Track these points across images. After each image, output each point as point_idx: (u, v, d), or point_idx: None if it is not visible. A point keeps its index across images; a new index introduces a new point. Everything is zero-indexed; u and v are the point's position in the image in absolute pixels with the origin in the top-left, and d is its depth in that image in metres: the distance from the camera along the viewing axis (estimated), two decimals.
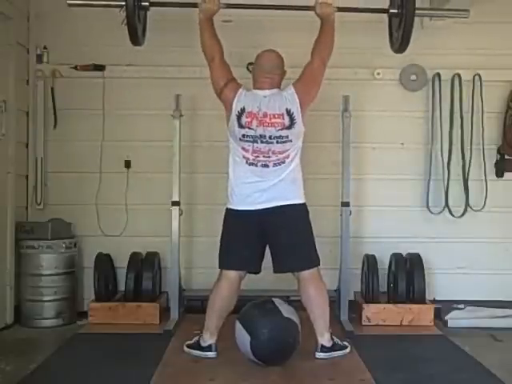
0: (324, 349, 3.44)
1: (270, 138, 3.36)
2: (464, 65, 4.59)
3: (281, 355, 3.32)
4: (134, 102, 4.59)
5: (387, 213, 4.61)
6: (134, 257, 4.39)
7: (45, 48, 4.58)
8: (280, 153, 3.38)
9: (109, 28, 4.31)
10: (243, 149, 3.40)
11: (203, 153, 4.60)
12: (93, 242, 4.56)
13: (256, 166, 3.39)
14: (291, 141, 3.39)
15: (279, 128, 3.36)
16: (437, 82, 4.62)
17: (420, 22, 4.60)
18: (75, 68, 4.56)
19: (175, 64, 4.56)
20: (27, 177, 4.60)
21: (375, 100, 4.62)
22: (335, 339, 3.51)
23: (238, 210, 3.43)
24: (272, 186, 3.37)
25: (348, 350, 3.54)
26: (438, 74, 4.60)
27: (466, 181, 4.60)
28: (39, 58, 4.58)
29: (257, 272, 3.48)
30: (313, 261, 3.46)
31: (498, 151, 4.64)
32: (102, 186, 4.57)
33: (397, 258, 4.37)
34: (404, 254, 4.40)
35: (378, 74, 4.64)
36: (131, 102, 4.60)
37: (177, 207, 4.14)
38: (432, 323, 4.22)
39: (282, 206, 3.38)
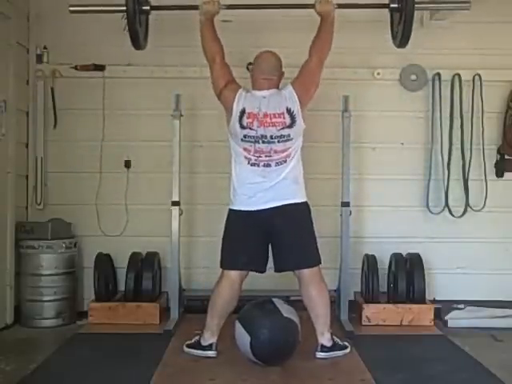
0: (324, 349, 3.45)
1: (271, 137, 3.37)
2: (464, 65, 4.59)
3: (281, 355, 3.31)
4: (134, 102, 4.59)
5: (387, 213, 4.61)
6: (134, 257, 4.39)
7: (45, 48, 4.57)
8: (282, 151, 3.38)
9: (109, 28, 4.30)
10: (245, 149, 3.41)
11: (203, 153, 4.60)
12: (93, 242, 4.56)
13: (258, 165, 3.39)
14: (292, 139, 3.39)
15: (280, 127, 3.37)
16: (437, 82, 4.61)
17: (420, 22, 4.61)
18: (75, 68, 4.56)
19: (175, 64, 4.56)
20: (27, 177, 4.60)
21: (375, 100, 4.62)
22: (335, 339, 3.51)
23: (240, 211, 3.43)
24: (274, 185, 3.38)
25: (348, 350, 3.54)
26: (438, 74, 4.60)
27: (465, 181, 4.59)
28: (39, 58, 4.58)
29: (262, 271, 3.48)
30: (313, 260, 3.46)
31: (498, 151, 4.63)
32: (102, 186, 4.57)
33: (397, 258, 4.37)
34: (404, 254, 4.40)
35: (378, 73, 4.64)
36: (131, 102, 4.60)
37: (177, 207, 4.15)
38: (432, 323, 4.22)
39: (284, 206, 3.38)
